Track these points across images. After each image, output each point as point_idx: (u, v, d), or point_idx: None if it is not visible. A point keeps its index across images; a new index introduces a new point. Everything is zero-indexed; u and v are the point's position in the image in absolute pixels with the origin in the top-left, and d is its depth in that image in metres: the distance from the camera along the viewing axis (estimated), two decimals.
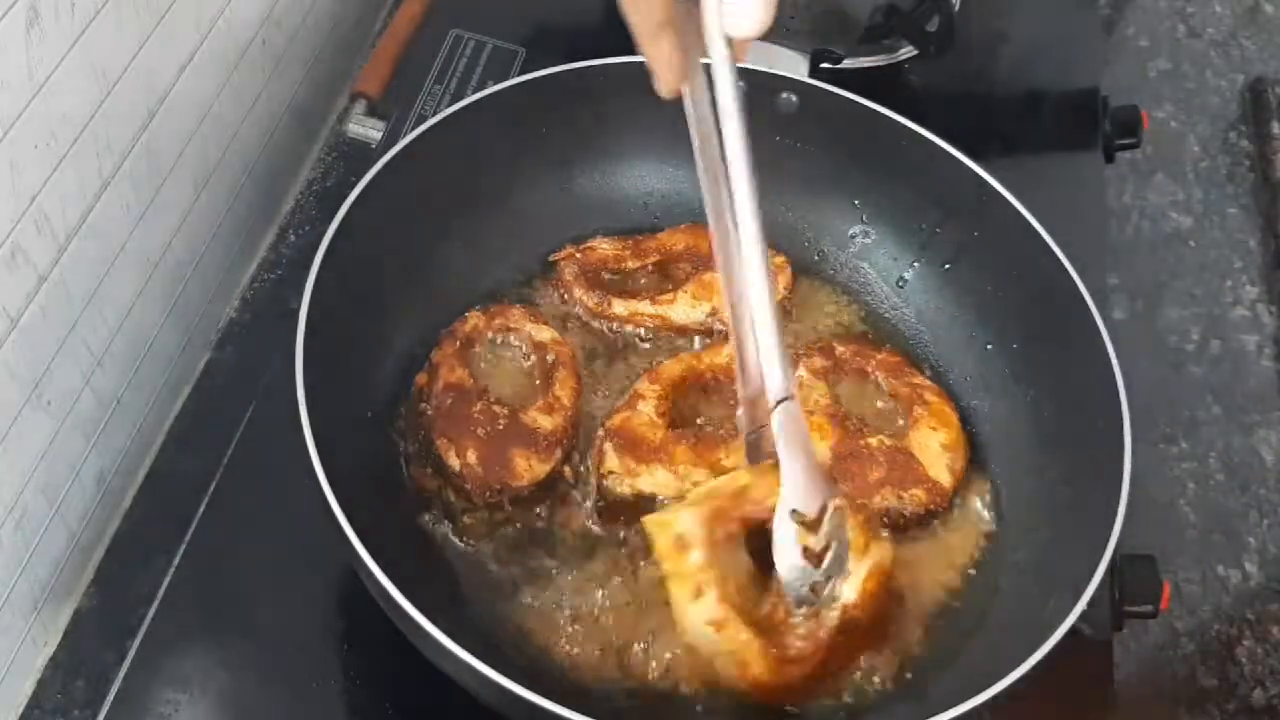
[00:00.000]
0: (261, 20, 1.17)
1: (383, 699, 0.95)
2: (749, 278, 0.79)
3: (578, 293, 1.08)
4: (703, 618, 0.85)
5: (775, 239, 1.14)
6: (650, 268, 1.12)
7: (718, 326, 1.08)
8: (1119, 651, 1.07)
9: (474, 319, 1.04)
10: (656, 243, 1.12)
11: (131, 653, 0.95)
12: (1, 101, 0.81)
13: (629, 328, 1.09)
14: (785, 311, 1.12)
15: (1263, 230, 1.60)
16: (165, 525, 1.04)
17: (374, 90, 1.31)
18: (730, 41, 0.76)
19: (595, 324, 1.09)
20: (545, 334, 1.04)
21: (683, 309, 1.08)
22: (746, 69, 1.11)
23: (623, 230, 1.14)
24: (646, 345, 1.09)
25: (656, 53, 0.78)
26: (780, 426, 0.81)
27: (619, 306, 1.08)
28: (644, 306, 1.08)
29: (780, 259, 1.12)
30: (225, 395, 1.15)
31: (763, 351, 0.80)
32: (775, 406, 0.80)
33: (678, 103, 1.11)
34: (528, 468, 0.96)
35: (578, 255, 1.10)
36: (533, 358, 1.04)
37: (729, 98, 0.76)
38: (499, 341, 1.05)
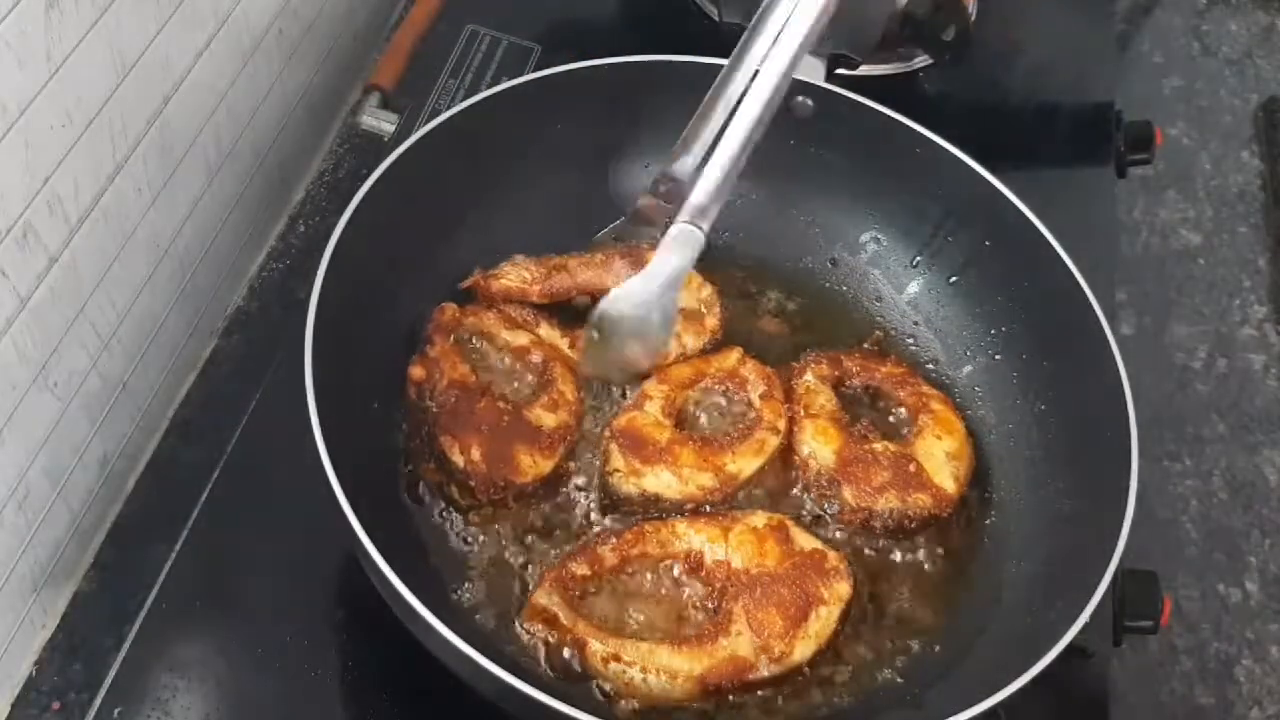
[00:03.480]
0: (278, 10, 1.17)
1: (380, 688, 0.95)
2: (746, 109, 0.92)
3: (501, 305, 1.05)
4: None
5: (787, 242, 1.15)
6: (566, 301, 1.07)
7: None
8: (1117, 666, 1.07)
9: (450, 309, 1.03)
10: (568, 282, 1.06)
11: (130, 637, 0.95)
12: (19, 81, 0.81)
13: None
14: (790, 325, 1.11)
15: (1272, 250, 1.60)
16: (167, 511, 1.04)
17: (388, 83, 1.31)
18: None
19: None
20: (522, 338, 1.04)
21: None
22: None
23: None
24: None
25: None
26: (672, 237, 0.92)
27: (545, 331, 1.05)
28: (564, 344, 1.05)
29: (710, 291, 1.08)
30: (231, 383, 1.15)
31: (710, 172, 0.91)
32: (684, 220, 0.91)
33: (693, 104, 1.12)
34: (532, 464, 0.96)
35: (482, 283, 1.05)
36: (518, 361, 1.03)
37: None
38: (493, 339, 1.04)
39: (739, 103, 0.93)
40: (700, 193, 0.93)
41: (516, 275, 1.06)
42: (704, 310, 1.08)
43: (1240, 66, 1.79)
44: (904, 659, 0.94)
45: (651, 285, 0.93)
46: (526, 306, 1.06)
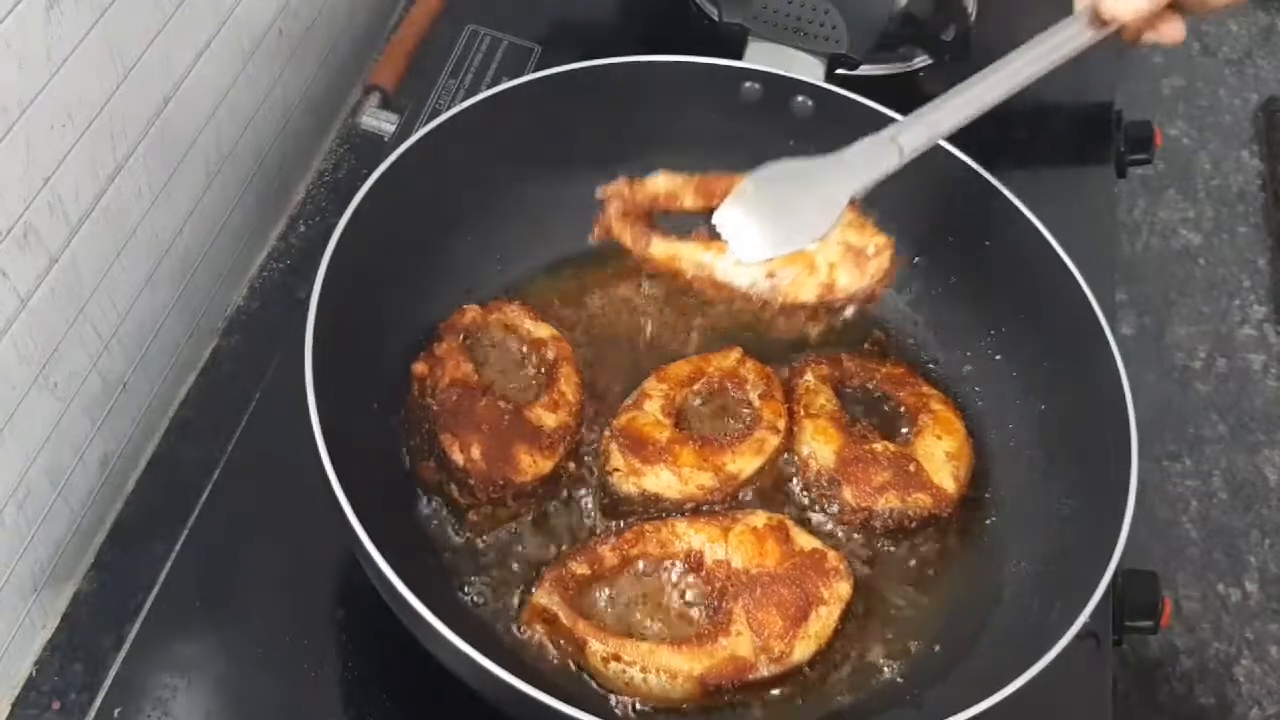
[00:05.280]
0: (279, 10, 1.17)
1: (380, 687, 0.95)
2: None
3: (616, 230, 0.92)
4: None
5: None
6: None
7: (763, 290, 0.90)
8: (1117, 666, 1.07)
9: (471, 312, 1.03)
10: (726, 184, 0.94)
11: (130, 637, 0.95)
12: (19, 81, 0.81)
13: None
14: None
15: (1272, 250, 1.60)
16: (167, 511, 1.04)
17: (388, 83, 1.31)
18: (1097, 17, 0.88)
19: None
20: (544, 330, 1.04)
21: (731, 261, 0.90)
22: (763, 72, 1.11)
23: None
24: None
25: None
26: (870, 141, 0.91)
27: (658, 247, 0.91)
28: (687, 250, 0.91)
29: (883, 239, 0.94)
30: (231, 383, 1.15)
31: (935, 106, 0.94)
32: (888, 132, 0.91)
33: (693, 104, 1.12)
34: (532, 464, 0.96)
35: (626, 191, 0.94)
36: (533, 354, 1.04)
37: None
38: (500, 338, 1.04)
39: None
40: (916, 116, 0.92)
41: (668, 179, 0.95)
42: (870, 252, 0.93)
43: (1240, 66, 1.79)
44: (904, 659, 0.94)
45: (829, 164, 0.90)
46: (638, 226, 0.94)
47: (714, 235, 0.91)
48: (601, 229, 0.93)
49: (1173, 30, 0.91)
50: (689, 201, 0.94)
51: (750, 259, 0.89)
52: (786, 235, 0.90)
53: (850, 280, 0.91)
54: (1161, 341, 1.49)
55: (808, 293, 0.91)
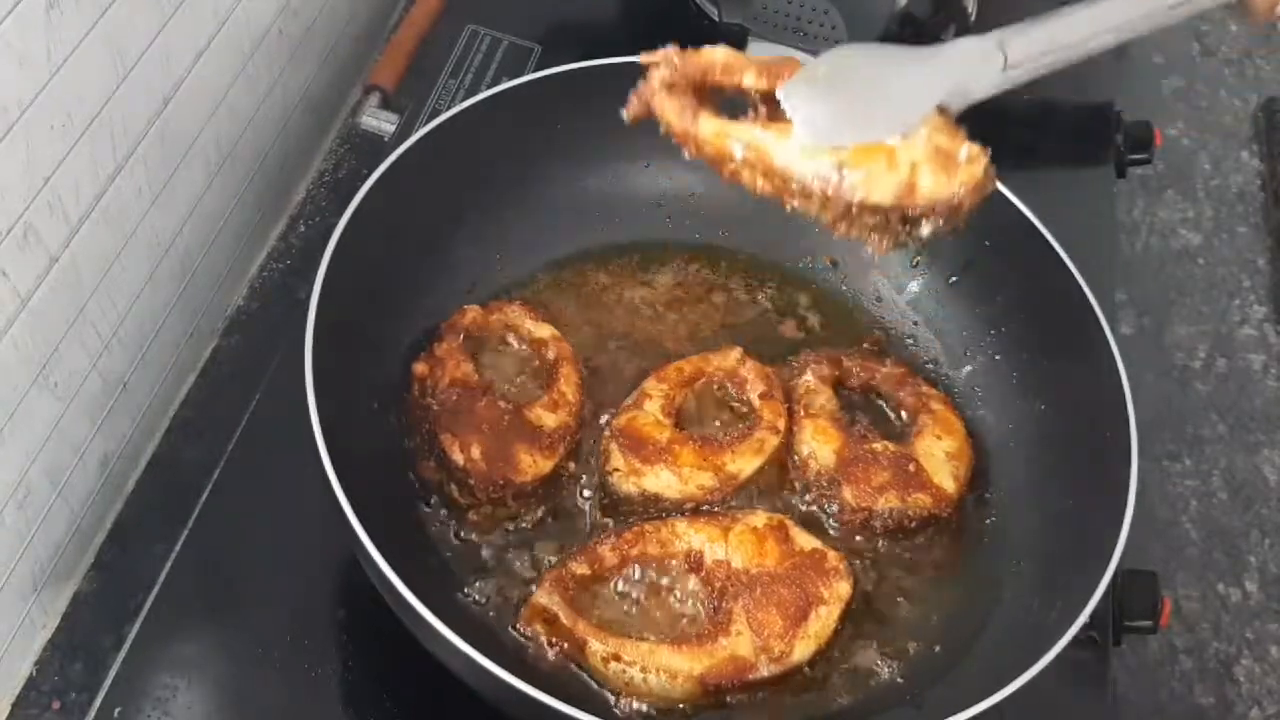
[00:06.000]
0: (279, 10, 1.17)
1: (380, 688, 0.95)
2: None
3: (657, 103, 0.79)
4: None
5: (788, 242, 1.15)
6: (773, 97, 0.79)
7: (829, 184, 0.75)
8: (1117, 666, 1.07)
9: (472, 312, 1.04)
10: (795, 67, 0.79)
11: (130, 637, 0.95)
12: (19, 81, 0.81)
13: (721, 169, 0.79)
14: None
15: (1271, 250, 1.60)
16: (167, 511, 1.04)
17: (388, 83, 1.31)
18: None
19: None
20: (544, 330, 1.04)
21: (795, 146, 0.75)
22: None
23: (634, 236, 1.13)
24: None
25: None
26: (971, 44, 0.79)
27: (706, 124, 0.78)
28: (740, 128, 0.77)
29: (978, 148, 0.81)
30: (231, 383, 1.15)
31: (1053, 21, 0.80)
32: (993, 39, 0.79)
33: None
34: (532, 463, 0.96)
35: (675, 58, 0.81)
36: (533, 354, 1.04)
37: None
38: (501, 338, 1.04)
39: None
40: (1030, 22, 0.79)
41: (725, 51, 0.81)
42: (962, 158, 0.79)
43: (1240, 66, 1.79)
44: (904, 659, 0.94)
45: (920, 55, 0.77)
46: (685, 99, 0.80)
47: (775, 116, 0.76)
48: (639, 102, 0.79)
49: None
50: (749, 78, 0.78)
51: (820, 141, 0.74)
52: (865, 120, 0.75)
53: (935, 185, 0.76)
54: (1161, 341, 1.49)
55: (883, 192, 0.75)
